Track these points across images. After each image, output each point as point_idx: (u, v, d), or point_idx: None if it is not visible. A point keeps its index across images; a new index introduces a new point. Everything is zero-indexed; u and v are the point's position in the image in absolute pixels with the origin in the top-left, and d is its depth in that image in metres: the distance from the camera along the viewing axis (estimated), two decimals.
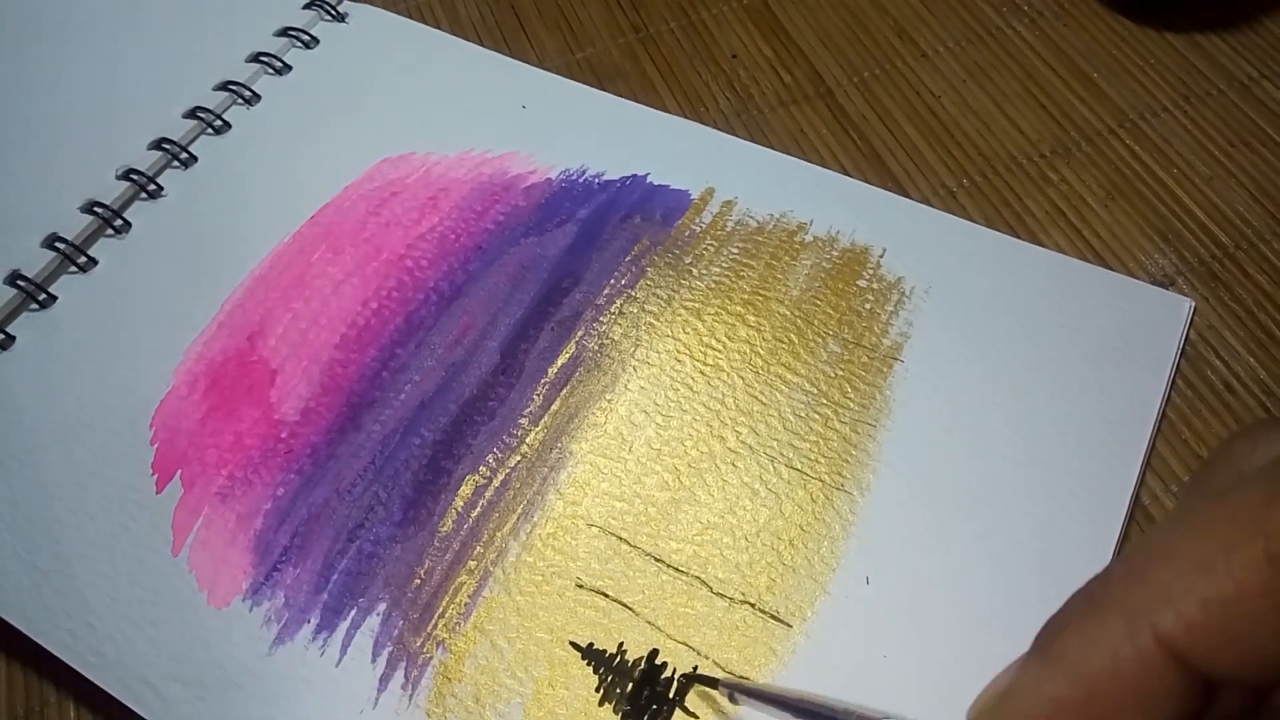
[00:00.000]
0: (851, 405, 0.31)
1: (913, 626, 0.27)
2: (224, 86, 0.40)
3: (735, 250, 0.35)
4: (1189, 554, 0.13)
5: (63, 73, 0.40)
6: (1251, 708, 0.16)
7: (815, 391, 0.31)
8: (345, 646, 0.27)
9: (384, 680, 0.27)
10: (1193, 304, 0.33)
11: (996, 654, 0.15)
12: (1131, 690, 0.13)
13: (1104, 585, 0.14)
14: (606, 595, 0.28)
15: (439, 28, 0.43)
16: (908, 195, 0.37)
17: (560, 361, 0.32)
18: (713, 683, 0.26)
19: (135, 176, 0.37)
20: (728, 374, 0.32)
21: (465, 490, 0.30)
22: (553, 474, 0.30)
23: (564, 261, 0.35)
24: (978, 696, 0.15)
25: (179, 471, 0.30)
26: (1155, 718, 0.13)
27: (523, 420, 0.31)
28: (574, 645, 0.27)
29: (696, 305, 0.33)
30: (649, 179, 0.37)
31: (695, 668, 0.27)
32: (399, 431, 0.31)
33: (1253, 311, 0.34)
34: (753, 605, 0.28)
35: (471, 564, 0.29)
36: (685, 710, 0.26)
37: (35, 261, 0.35)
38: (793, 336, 0.33)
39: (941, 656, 0.27)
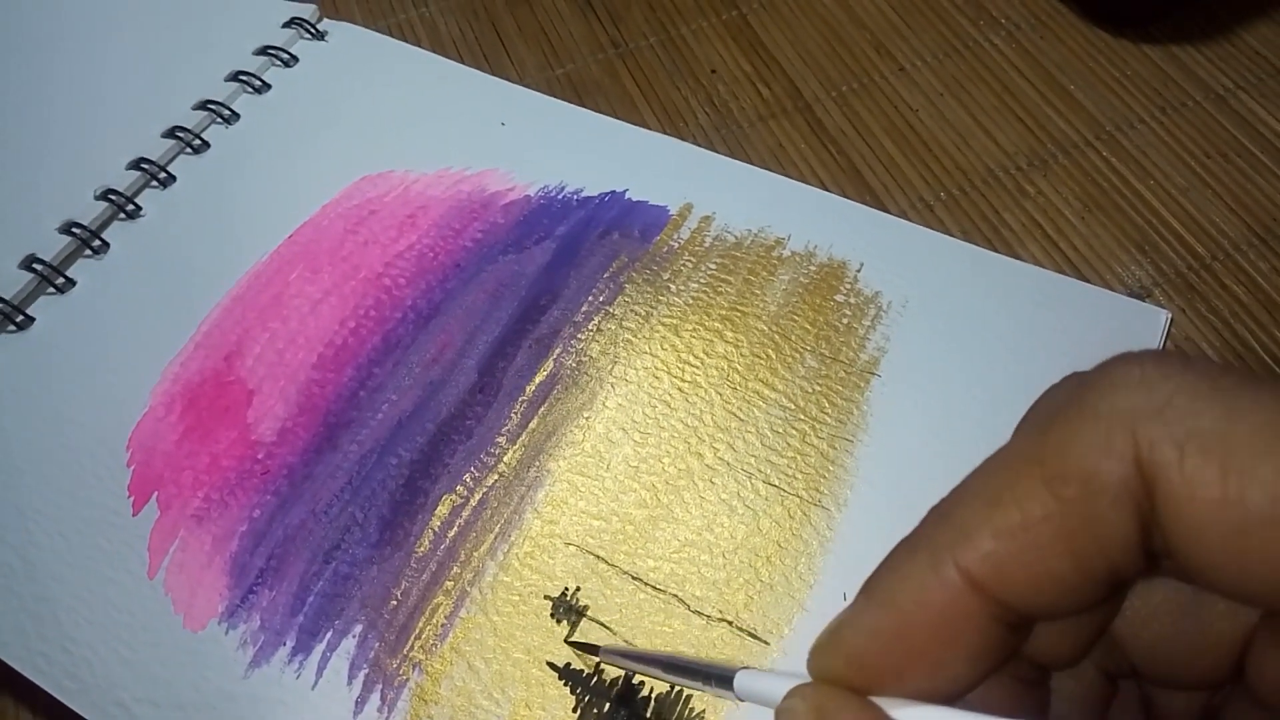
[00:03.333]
0: (829, 420, 0.31)
1: None
2: (203, 106, 0.40)
3: (713, 266, 0.35)
4: (982, 492, 0.14)
5: (40, 93, 0.40)
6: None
7: (793, 407, 0.31)
8: (321, 669, 0.27)
9: (360, 703, 0.27)
10: (1169, 315, 0.33)
11: None
12: (938, 619, 0.14)
13: (917, 530, 0.15)
14: (584, 614, 0.28)
15: (419, 45, 0.43)
16: (885, 209, 0.37)
17: (538, 379, 0.32)
18: (593, 649, 0.27)
19: (113, 197, 0.37)
20: (705, 390, 0.32)
21: (442, 510, 0.30)
22: (530, 493, 0.30)
23: (542, 279, 0.35)
24: (819, 634, 0.16)
25: (155, 493, 0.30)
26: (964, 646, 0.14)
27: (500, 439, 0.31)
28: (551, 665, 0.27)
29: (674, 321, 0.33)
30: (627, 195, 0.37)
31: (672, 686, 0.27)
32: (376, 451, 0.31)
33: (1229, 322, 0.34)
34: (730, 623, 0.28)
35: (448, 584, 0.29)
36: None
37: (12, 283, 0.35)
38: (770, 352, 0.33)
39: None
